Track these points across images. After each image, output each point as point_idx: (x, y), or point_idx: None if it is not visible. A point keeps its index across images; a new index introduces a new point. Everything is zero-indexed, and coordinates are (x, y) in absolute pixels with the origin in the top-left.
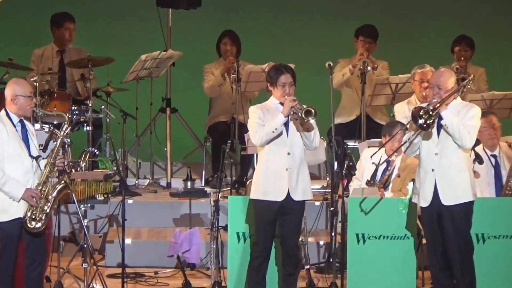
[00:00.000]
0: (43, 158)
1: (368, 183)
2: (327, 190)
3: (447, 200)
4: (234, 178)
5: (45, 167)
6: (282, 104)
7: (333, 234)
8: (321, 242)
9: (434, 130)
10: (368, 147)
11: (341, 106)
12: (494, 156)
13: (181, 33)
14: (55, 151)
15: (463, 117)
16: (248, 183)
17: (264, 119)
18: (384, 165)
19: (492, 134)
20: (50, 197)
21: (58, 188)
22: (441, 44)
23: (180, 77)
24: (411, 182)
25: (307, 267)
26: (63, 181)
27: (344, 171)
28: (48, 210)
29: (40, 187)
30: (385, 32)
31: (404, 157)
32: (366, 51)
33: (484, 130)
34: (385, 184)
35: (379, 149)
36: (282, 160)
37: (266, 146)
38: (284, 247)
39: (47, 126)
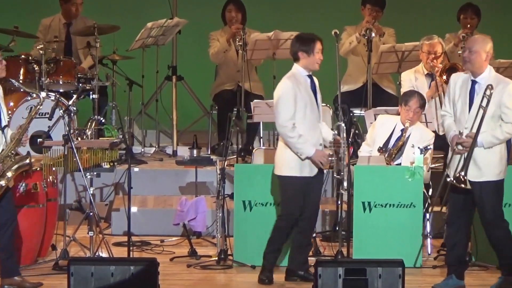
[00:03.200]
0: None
1: (380, 150)
2: (333, 159)
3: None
4: (240, 146)
5: (11, 140)
6: (310, 76)
7: (339, 202)
8: (327, 210)
9: None
10: (375, 115)
11: (347, 73)
12: None
13: (187, 1)
14: (23, 127)
15: (500, 99)
16: (254, 151)
17: (297, 95)
18: (398, 134)
19: None
20: (8, 174)
21: (17, 166)
22: (448, 12)
23: (186, 45)
24: (418, 150)
25: (313, 235)
26: (27, 159)
27: (350, 140)
28: (3, 185)
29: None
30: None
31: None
32: (373, 19)
33: None
34: (396, 154)
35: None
36: (316, 136)
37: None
38: (308, 218)
39: (53, 94)
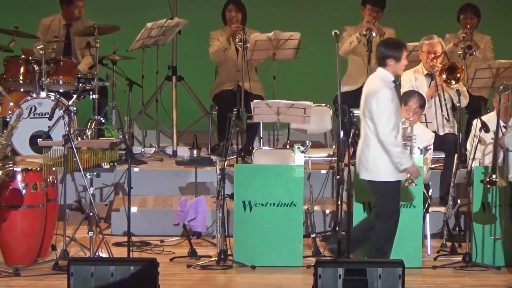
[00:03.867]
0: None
1: None
2: (333, 159)
3: None
4: (240, 147)
5: None
6: (394, 81)
7: (339, 202)
8: (327, 211)
9: None
10: None
11: (347, 74)
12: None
13: (186, 1)
14: (8, 131)
15: None
16: (254, 151)
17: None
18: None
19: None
20: None
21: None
22: (448, 12)
23: (186, 45)
24: (418, 151)
25: (313, 235)
26: (10, 163)
27: (350, 140)
28: None
29: None
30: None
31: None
32: (373, 19)
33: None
34: None
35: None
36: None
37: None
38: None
39: (53, 94)
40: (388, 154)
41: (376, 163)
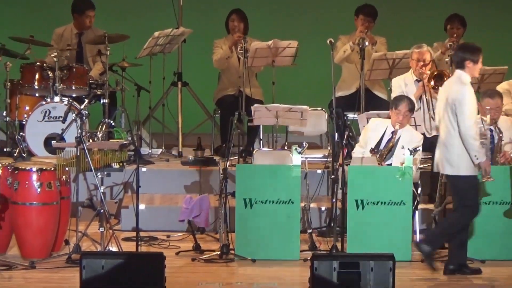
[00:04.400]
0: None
1: (372, 151)
2: (328, 159)
3: None
4: (241, 148)
5: None
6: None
7: (334, 200)
8: (323, 208)
9: None
10: (368, 119)
11: (341, 79)
12: (491, 129)
13: (191, 11)
14: None
15: None
16: (254, 152)
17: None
18: (389, 136)
19: (493, 115)
20: None
21: None
22: (436, 22)
23: (190, 53)
24: (408, 152)
25: (310, 231)
26: None
27: (344, 141)
28: None
29: None
30: (384, 10)
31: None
32: (366, 28)
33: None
34: (387, 154)
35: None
36: None
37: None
38: None
39: (66, 99)
40: (467, 147)
41: (460, 159)
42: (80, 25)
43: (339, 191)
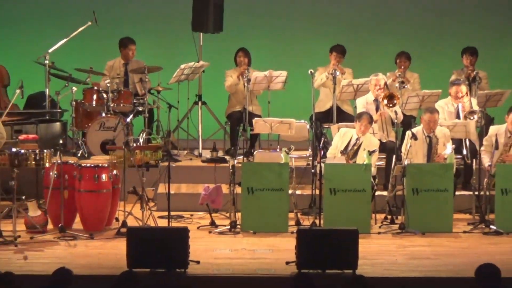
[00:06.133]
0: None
1: (342, 152)
2: (309, 158)
3: None
4: (245, 150)
5: None
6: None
7: (313, 188)
8: (305, 193)
9: None
10: (339, 128)
11: (319, 100)
12: (429, 136)
13: (208, 49)
14: None
15: None
16: (255, 153)
17: None
18: (354, 141)
19: (431, 126)
20: None
21: None
22: (389, 56)
23: (208, 80)
24: (368, 153)
25: (295, 211)
26: None
27: (321, 145)
28: None
29: None
30: (351, 48)
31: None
32: (337, 62)
33: (426, 123)
34: (353, 155)
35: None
36: None
37: None
38: None
39: (117, 114)
40: None
41: None
42: (125, 56)
43: (317, 182)
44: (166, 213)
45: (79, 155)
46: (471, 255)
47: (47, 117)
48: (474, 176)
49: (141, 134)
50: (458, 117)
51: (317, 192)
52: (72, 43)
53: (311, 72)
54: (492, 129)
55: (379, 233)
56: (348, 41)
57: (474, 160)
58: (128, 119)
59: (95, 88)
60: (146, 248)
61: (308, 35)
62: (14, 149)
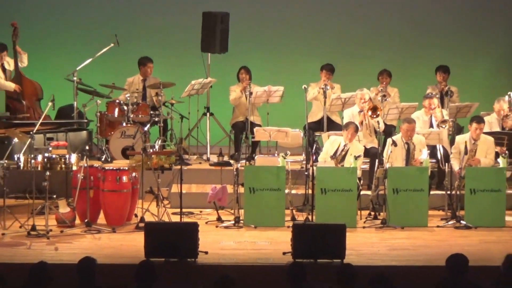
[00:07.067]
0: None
1: (331, 157)
2: (303, 161)
3: None
4: (247, 155)
5: None
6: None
7: (307, 187)
8: (299, 193)
9: None
10: (328, 136)
11: (311, 111)
12: (407, 143)
13: (215, 67)
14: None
15: None
16: (256, 158)
17: None
18: (342, 147)
19: (409, 134)
20: None
21: None
22: (373, 74)
23: (215, 94)
24: (354, 157)
25: (291, 208)
26: None
27: (313, 151)
28: None
29: None
30: (339, 66)
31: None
32: (327, 79)
33: (405, 132)
34: (341, 159)
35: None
36: None
37: None
38: None
39: (136, 123)
40: None
41: None
42: (144, 73)
43: (310, 182)
44: (178, 210)
45: (103, 159)
46: (443, 246)
47: (75, 127)
48: (446, 178)
49: (157, 141)
50: (432, 126)
51: (310, 191)
52: (96, 62)
53: (304, 87)
54: (458, 138)
55: (363, 227)
56: (336, 61)
57: (446, 164)
58: (146, 128)
59: (117, 101)
60: (161, 240)
61: (302, 55)
62: (46, 154)
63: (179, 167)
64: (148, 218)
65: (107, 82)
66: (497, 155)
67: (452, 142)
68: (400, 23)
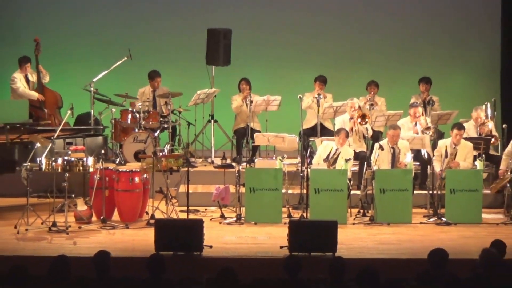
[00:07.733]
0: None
1: (324, 160)
2: (299, 164)
3: None
4: (248, 158)
5: None
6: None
7: (302, 188)
8: (295, 192)
9: None
10: (322, 141)
11: (306, 118)
12: (393, 148)
13: (219, 78)
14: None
15: None
16: (256, 160)
17: None
18: (334, 151)
19: (394, 139)
20: None
21: None
22: (362, 84)
23: (219, 103)
24: (344, 160)
25: (288, 206)
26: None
27: (308, 154)
28: None
29: None
30: (332, 77)
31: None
32: (320, 89)
33: (391, 137)
34: (333, 162)
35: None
36: None
37: None
38: None
39: (147, 130)
40: None
41: None
42: (153, 86)
43: (305, 183)
44: (185, 208)
45: (117, 162)
46: (426, 241)
47: (92, 132)
48: (429, 179)
49: (166, 146)
50: (417, 132)
51: (305, 191)
52: (111, 74)
53: (300, 97)
54: (440, 142)
55: (353, 224)
56: (329, 73)
57: (428, 166)
58: (156, 134)
59: (130, 109)
60: (170, 235)
61: (297, 68)
62: (66, 158)
63: (186, 169)
64: (158, 215)
65: (121, 92)
66: (474, 158)
67: (434, 146)
68: (386, 39)
